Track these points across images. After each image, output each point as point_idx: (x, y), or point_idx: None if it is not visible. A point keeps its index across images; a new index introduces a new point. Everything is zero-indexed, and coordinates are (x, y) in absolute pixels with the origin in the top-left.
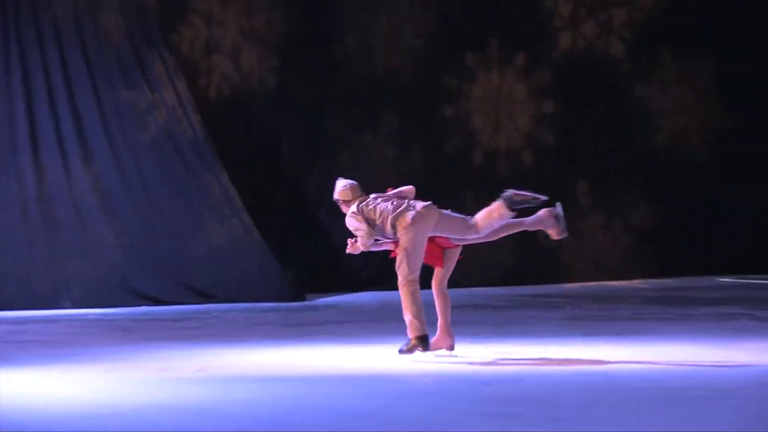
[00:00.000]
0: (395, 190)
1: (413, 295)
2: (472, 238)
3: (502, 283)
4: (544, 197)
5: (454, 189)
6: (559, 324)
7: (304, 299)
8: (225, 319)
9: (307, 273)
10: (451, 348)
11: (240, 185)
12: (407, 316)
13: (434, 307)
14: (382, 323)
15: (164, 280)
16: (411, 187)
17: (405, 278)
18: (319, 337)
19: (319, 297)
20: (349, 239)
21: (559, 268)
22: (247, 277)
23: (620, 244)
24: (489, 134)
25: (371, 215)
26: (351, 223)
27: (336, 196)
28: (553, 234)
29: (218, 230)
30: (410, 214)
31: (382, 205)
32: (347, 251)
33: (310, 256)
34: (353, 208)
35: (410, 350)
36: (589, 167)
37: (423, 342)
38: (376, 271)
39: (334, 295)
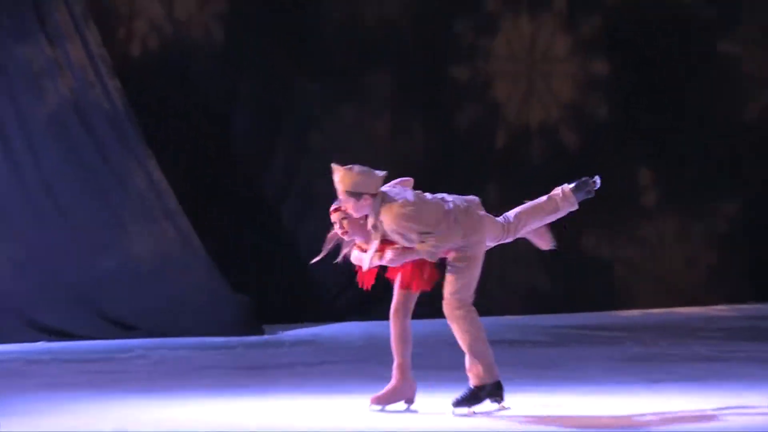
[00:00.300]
0: (394, 182)
1: (480, 326)
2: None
3: (541, 310)
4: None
5: (468, 179)
6: (617, 366)
7: (262, 332)
8: (152, 360)
9: (267, 297)
10: (412, 400)
11: (175, 176)
12: (475, 355)
13: (389, 342)
14: (369, 365)
15: (71, 308)
16: (410, 179)
17: (464, 303)
18: (283, 385)
19: (283, 329)
20: (368, 249)
21: (615, 291)
22: (183, 302)
23: (699, 257)
24: (516, 105)
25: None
26: (404, 226)
27: (360, 186)
28: (542, 244)
29: (144, 239)
30: (480, 213)
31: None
32: (365, 267)
33: (270, 273)
34: (406, 199)
35: (479, 400)
36: (655, 150)
37: (499, 390)
38: (359, 294)
39: (304, 327)
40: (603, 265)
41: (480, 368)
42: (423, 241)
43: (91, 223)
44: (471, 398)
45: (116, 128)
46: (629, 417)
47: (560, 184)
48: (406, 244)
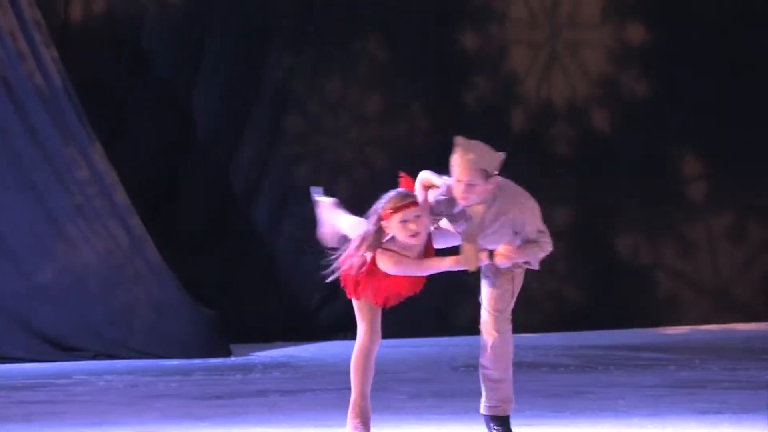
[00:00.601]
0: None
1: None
2: None
3: (566, 326)
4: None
5: None
6: (659, 395)
7: (229, 354)
8: (99, 388)
9: (235, 311)
10: None
11: (124, 168)
12: (503, 381)
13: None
14: None
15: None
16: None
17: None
18: (256, 416)
19: (255, 350)
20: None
21: (658, 304)
22: (136, 319)
23: (758, 263)
24: (537, 80)
25: None
26: (533, 222)
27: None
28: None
29: (86, 243)
30: None
31: None
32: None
33: (239, 284)
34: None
35: None
36: (704, 134)
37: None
38: (343, 308)
39: (280, 347)
40: (642, 273)
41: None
42: (536, 241)
43: (22, 225)
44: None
45: (52, 109)
46: None
47: (590, 173)
48: (516, 244)
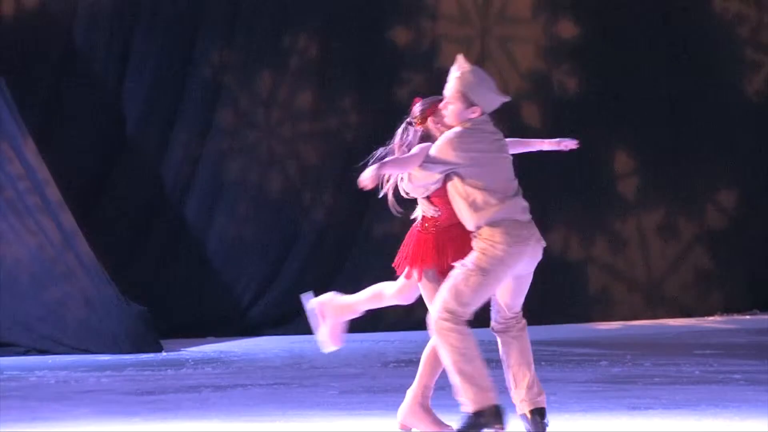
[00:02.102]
0: None
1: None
2: None
3: None
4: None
5: None
6: (592, 390)
7: (160, 349)
8: (30, 384)
9: (167, 307)
10: None
11: (56, 163)
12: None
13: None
14: (291, 389)
15: None
16: None
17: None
18: (187, 412)
19: (187, 346)
20: None
21: (589, 299)
22: (68, 315)
23: (690, 259)
24: None
25: None
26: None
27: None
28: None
29: (18, 239)
30: None
31: None
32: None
33: (170, 279)
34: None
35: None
36: (635, 129)
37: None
38: (276, 303)
39: (211, 343)
40: (573, 269)
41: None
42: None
43: None
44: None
45: None
46: None
47: (521, 168)
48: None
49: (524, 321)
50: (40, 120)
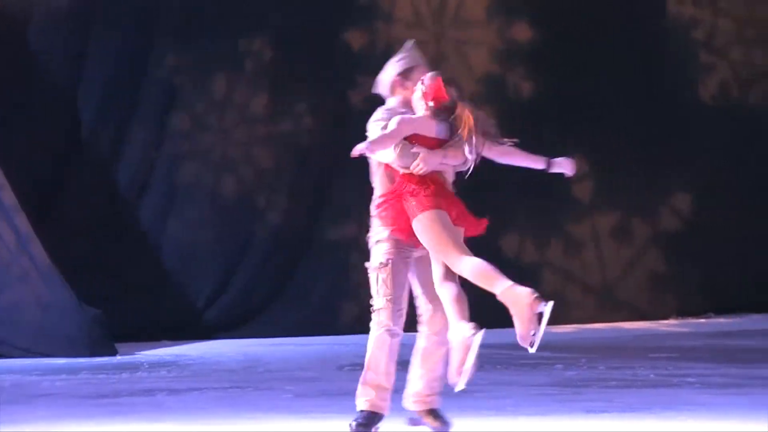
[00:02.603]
0: None
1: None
2: None
3: None
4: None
5: (364, 169)
6: (546, 394)
7: (115, 353)
8: None
9: (122, 310)
10: None
11: (9, 166)
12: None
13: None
14: (245, 392)
15: None
16: None
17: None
18: (142, 414)
19: (142, 349)
20: None
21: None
22: (23, 318)
23: (644, 262)
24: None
25: None
26: None
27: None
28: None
29: None
30: None
31: None
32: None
33: (125, 282)
34: None
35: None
36: (589, 133)
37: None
38: (231, 307)
39: (166, 346)
40: (527, 271)
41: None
42: None
43: None
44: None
45: None
46: None
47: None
48: None
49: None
50: None
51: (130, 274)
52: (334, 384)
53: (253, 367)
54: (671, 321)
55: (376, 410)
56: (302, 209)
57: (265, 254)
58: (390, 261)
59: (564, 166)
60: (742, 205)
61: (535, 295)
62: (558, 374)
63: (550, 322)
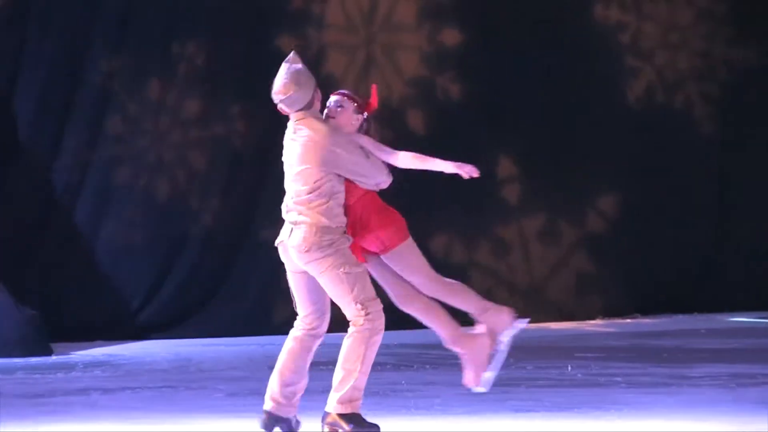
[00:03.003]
0: None
1: None
2: None
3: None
4: None
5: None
6: (474, 394)
7: (50, 352)
8: None
9: (56, 311)
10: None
11: None
12: None
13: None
14: (177, 391)
15: None
16: None
17: None
18: (77, 414)
19: (76, 349)
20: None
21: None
22: None
23: (570, 263)
24: (354, 82)
25: None
26: None
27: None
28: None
29: None
30: None
31: None
32: None
33: (60, 283)
34: None
35: None
36: (517, 135)
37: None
38: (164, 307)
39: (100, 346)
40: (456, 273)
41: None
42: None
43: None
44: None
45: None
46: None
47: (404, 173)
48: None
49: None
50: None
51: (65, 275)
52: (265, 383)
53: (186, 366)
54: (597, 321)
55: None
56: (235, 211)
57: (199, 255)
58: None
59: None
60: (667, 207)
61: None
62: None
63: (476, 323)
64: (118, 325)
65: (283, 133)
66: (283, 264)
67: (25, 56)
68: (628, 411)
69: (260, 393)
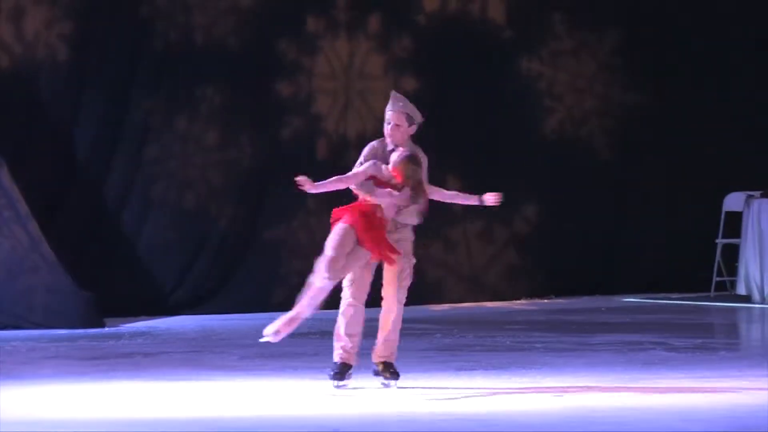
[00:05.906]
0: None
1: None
2: None
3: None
4: None
5: (292, 186)
6: (427, 356)
7: (103, 325)
8: (6, 351)
9: (109, 293)
10: None
11: (27, 186)
12: None
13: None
14: (202, 354)
15: None
16: None
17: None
18: (125, 372)
19: (123, 323)
20: None
21: (424, 286)
22: (35, 299)
23: (501, 256)
24: (336, 118)
25: None
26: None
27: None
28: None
29: None
30: None
31: None
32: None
33: (111, 272)
34: None
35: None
36: (461, 159)
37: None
38: (192, 290)
39: (142, 321)
40: (416, 265)
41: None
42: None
43: None
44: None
45: None
46: (438, 400)
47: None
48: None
49: None
50: (13, 154)
51: (115, 266)
52: (269, 349)
53: (209, 336)
54: (522, 301)
55: None
56: (244, 216)
57: (217, 250)
58: None
59: (488, 200)
60: (577, 213)
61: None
62: (437, 341)
63: (434, 302)
64: (156, 303)
65: (279, 155)
66: (280, 258)
67: (84, 96)
68: (546, 370)
69: (265, 356)
